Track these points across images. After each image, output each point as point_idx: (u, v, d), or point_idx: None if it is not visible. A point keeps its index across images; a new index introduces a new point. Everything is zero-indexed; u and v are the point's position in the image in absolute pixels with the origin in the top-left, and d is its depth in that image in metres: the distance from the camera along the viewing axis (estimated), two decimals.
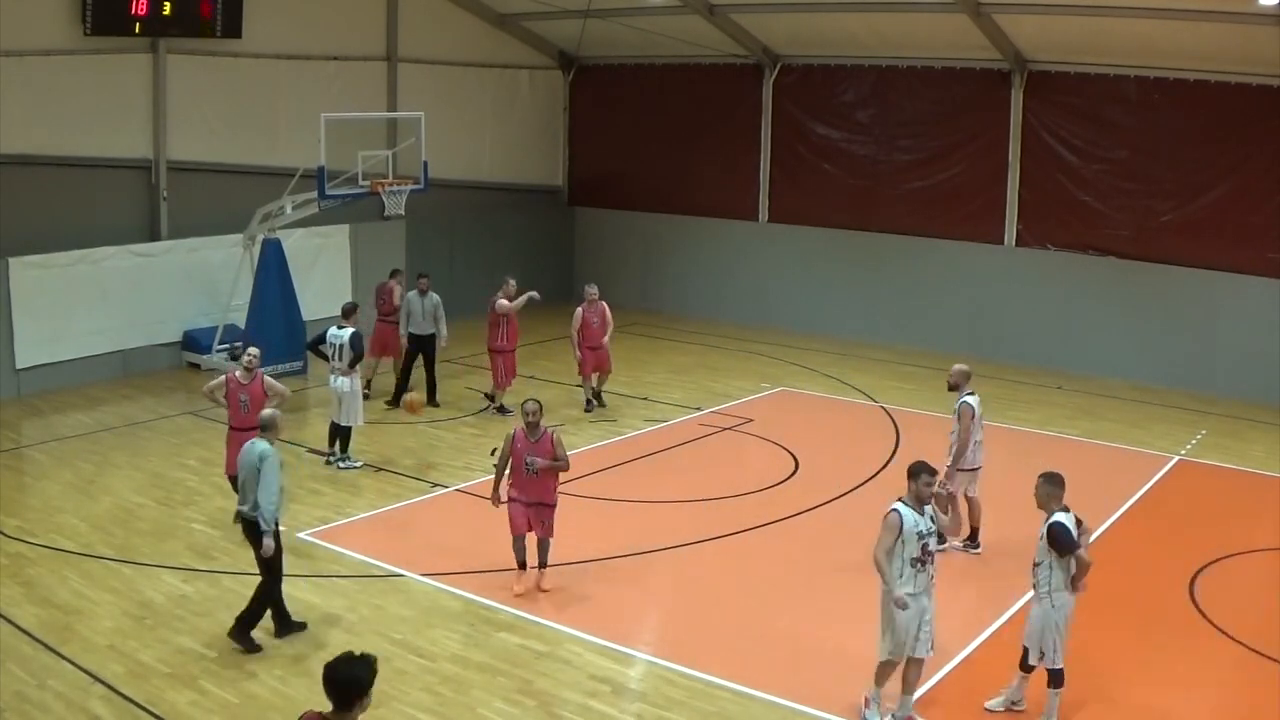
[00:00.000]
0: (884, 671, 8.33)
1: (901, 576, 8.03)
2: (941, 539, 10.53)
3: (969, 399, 11.55)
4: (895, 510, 8.09)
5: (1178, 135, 18.38)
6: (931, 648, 8.30)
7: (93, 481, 13.39)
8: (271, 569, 9.46)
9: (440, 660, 9.24)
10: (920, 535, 8.04)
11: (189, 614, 9.86)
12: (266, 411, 10.07)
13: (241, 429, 11.50)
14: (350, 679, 5.11)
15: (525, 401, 10.54)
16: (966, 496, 11.56)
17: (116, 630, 9.57)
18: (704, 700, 8.69)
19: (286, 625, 9.57)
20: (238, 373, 11.86)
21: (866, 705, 8.40)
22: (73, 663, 8.99)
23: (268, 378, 12.01)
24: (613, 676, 9.07)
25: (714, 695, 8.77)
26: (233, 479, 11.09)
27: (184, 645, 9.35)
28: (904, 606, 8.00)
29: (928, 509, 8.18)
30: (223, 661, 9.10)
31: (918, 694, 8.53)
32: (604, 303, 16.64)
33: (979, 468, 11.69)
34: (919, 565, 8.07)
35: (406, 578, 10.72)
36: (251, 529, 9.45)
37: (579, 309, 16.45)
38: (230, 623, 9.52)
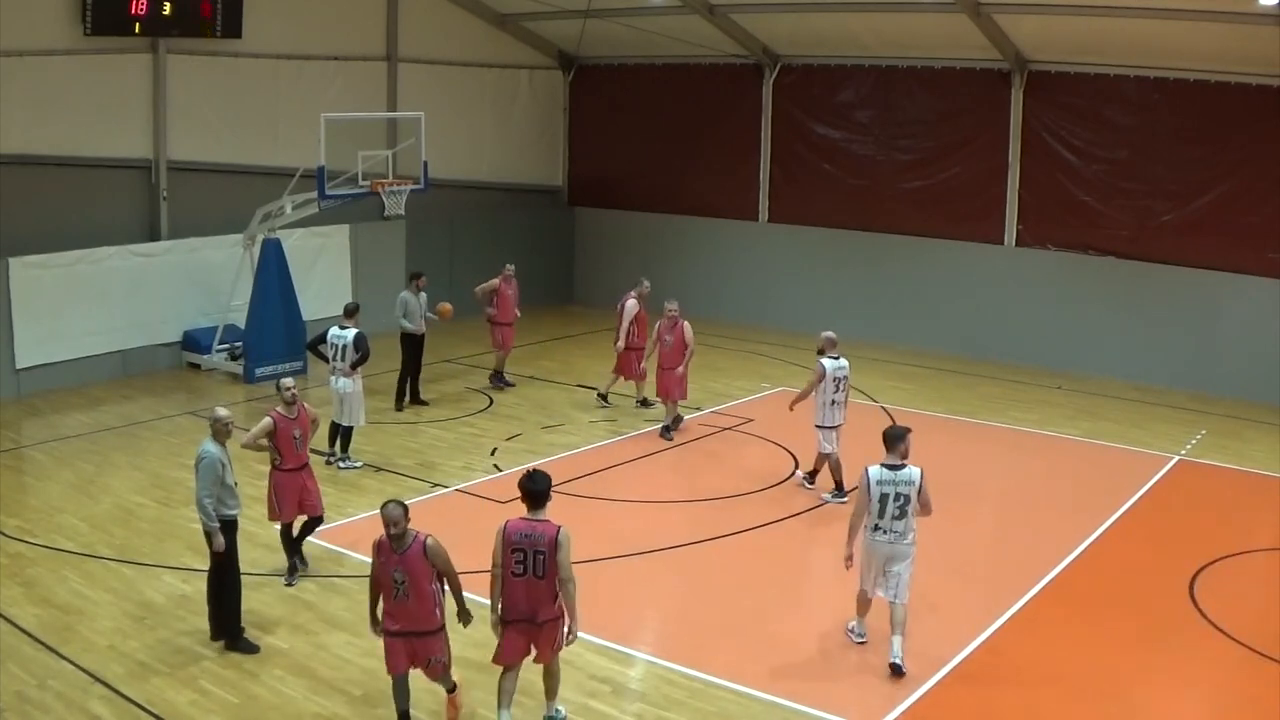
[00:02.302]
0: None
1: None
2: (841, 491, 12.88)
3: (825, 361, 12.79)
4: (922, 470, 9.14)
5: (1178, 135, 18.39)
6: None
7: (93, 481, 13.39)
8: (220, 566, 9.32)
9: None
10: None
11: (189, 614, 9.85)
12: (220, 413, 9.43)
13: (298, 468, 10.52)
14: (541, 490, 7.94)
15: (385, 506, 7.92)
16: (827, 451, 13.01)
17: (116, 630, 9.57)
18: (704, 700, 8.69)
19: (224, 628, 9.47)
20: (279, 408, 10.55)
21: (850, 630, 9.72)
22: (73, 663, 8.99)
23: (305, 404, 10.88)
24: (613, 676, 9.07)
25: (714, 695, 8.77)
26: (287, 527, 10.63)
27: (184, 645, 9.35)
28: None
29: None
30: (223, 661, 9.10)
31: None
32: (685, 322, 15.36)
33: (837, 425, 12.97)
34: None
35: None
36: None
37: (658, 325, 15.55)
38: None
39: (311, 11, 20.41)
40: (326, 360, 14.07)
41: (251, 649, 9.27)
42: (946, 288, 20.75)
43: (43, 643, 9.31)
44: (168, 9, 17.92)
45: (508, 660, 7.99)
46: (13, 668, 8.89)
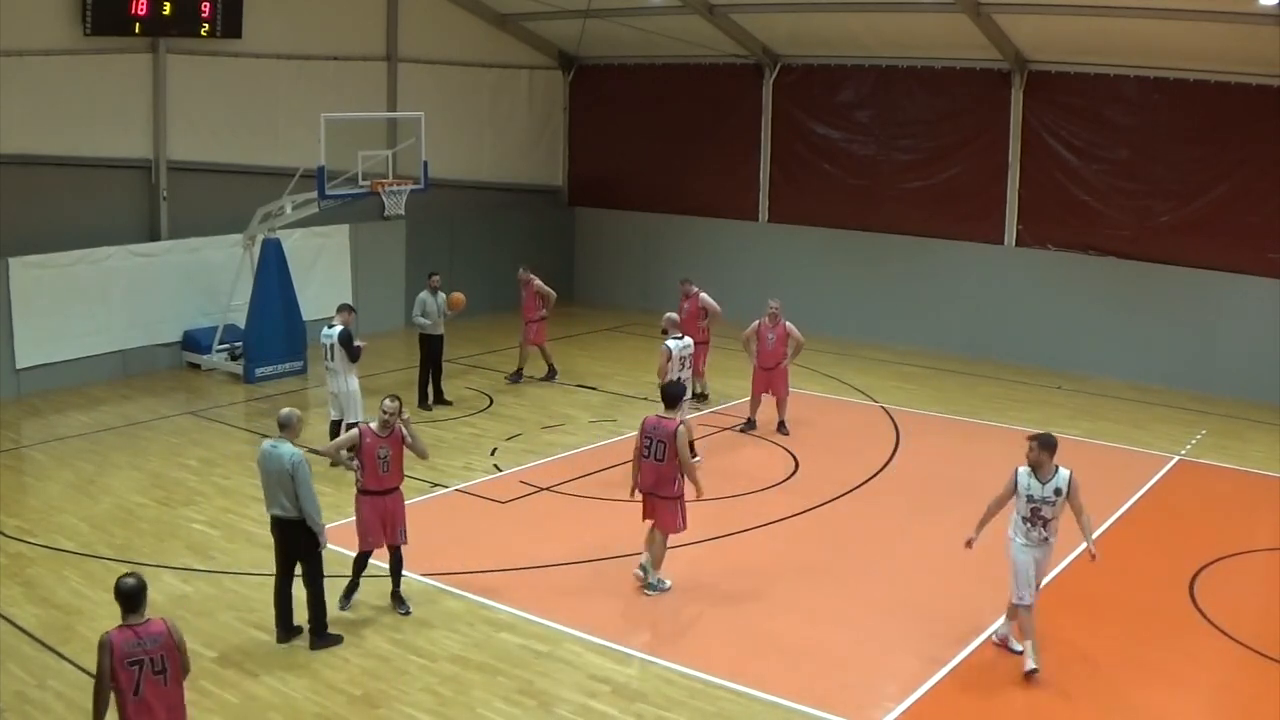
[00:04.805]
0: (1019, 616, 9.30)
1: (1015, 529, 9.23)
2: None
3: (669, 343, 14.02)
4: (1016, 470, 9.26)
5: (1178, 135, 18.38)
6: (1032, 596, 9.16)
7: (93, 481, 13.39)
8: (318, 565, 9.47)
9: (440, 660, 9.25)
10: (1030, 499, 9.09)
11: (189, 614, 9.84)
12: (286, 410, 9.57)
13: (380, 492, 9.96)
14: (675, 394, 10.48)
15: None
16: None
17: None
18: (704, 700, 8.70)
19: (289, 629, 9.57)
20: (373, 424, 10.02)
21: (1005, 643, 9.52)
22: (73, 663, 8.99)
23: (405, 429, 10.18)
24: (613, 676, 9.08)
25: (714, 695, 8.77)
26: (365, 555, 10.10)
27: None
28: (967, 545, 9.36)
29: (1058, 478, 9.05)
30: (223, 661, 9.10)
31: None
32: (787, 321, 15.66)
33: (688, 399, 13.57)
34: (1029, 524, 9.13)
35: (407, 578, 10.70)
36: (286, 529, 9.36)
37: (755, 322, 15.74)
38: (233, 622, 9.59)
39: (311, 11, 20.40)
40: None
41: (335, 640, 9.43)
42: (946, 288, 20.75)
43: (43, 643, 9.32)
44: (168, 9, 17.92)
45: (646, 518, 10.53)
46: (13, 668, 8.90)
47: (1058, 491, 9.00)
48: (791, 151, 22.47)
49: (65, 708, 8.35)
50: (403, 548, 10.18)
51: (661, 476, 10.29)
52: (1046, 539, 9.15)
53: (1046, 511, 9.06)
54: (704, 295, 16.86)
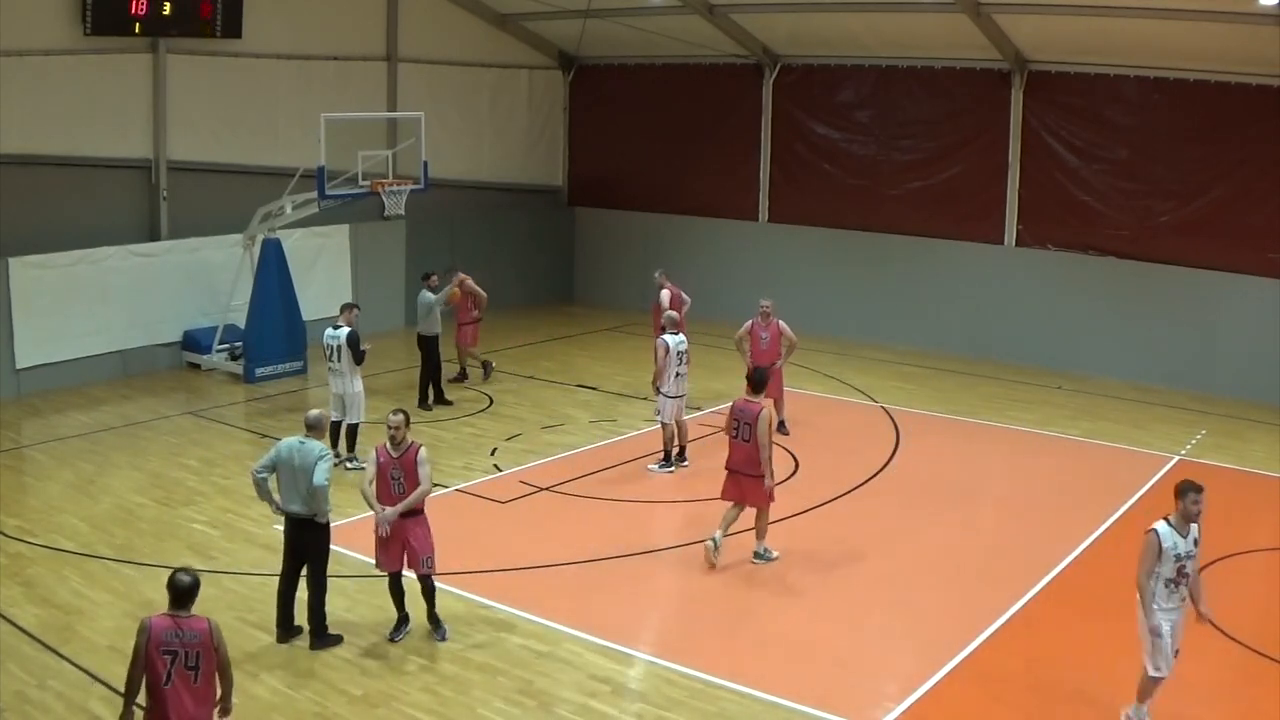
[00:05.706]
0: (1147, 687, 8.30)
1: (1156, 595, 8.05)
2: (668, 462, 14.16)
3: (666, 338, 14.07)
4: (1154, 530, 7.99)
5: (1178, 135, 18.38)
6: (1169, 668, 8.15)
7: (93, 481, 13.39)
8: (324, 566, 9.46)
9: (440, 660, 9.24)
10: (1178, 557, 7.95)
11: None
12: (316, 412, 9.61)
13: (401, 515, 9.36)
14: (760, 379, 11.20)
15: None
16: (676, 421, 14.06)
17: (116, 630, 9.55)
18: (704, 700, 8.69)
19: (290, 629, 9.57)
20: (386, 444, 9.46)
21: None
22: (73, 663, 8.99)
23: (422, 449, 9.50)
24: (613, 676, 9.07)
25: (714, 695, 8.77)
26: (394, 576, 9.59)
27: None
28: (1158, 634, 8.01)
29: (1193, 529, 8.00)
30: None
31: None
32: (780, 321, 15.30)
33: (682, 395, 14.12)
34: (1173, 586, 8.04)
35: (407, 578, 10.70)
36: (302, 528, 9.32)
37: (748, 322, 15.46)
38: (233, 622, 9.58)
39: (311, 11, 20.41)
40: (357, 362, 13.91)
41: (335, 640, 9.41)
42: (946, 288, 20.75)
43: (43, 643, 9.32)
44: (168, 9, 17.92)
45: (725, 497, 11.21)
46: (13, 668, 8.89)
47: (1196, 542, 8.02)
48: (791, 151, 22.48)
49: (65, 708, 8.35)
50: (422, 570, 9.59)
51: (750, 456, 10.95)
52: (1184, 597, 8.12)
53: (1189, 567, 8.00)
54: (663, 292, 16.84)
